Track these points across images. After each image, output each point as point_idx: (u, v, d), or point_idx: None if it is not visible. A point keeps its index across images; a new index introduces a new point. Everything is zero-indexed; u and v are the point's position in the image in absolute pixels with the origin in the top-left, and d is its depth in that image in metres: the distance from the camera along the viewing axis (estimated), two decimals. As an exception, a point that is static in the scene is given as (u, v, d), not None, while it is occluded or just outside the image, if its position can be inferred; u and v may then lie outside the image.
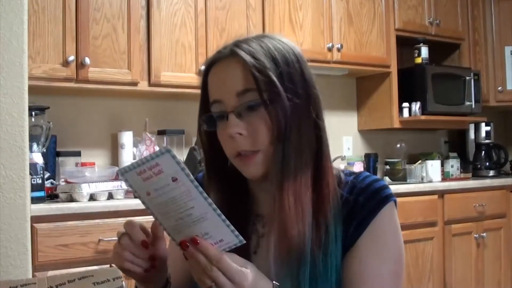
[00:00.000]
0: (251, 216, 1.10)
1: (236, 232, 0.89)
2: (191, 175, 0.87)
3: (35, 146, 2.48)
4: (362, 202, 1.04)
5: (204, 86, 1.07)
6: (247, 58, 1.01)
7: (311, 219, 1.01)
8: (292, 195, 0.99)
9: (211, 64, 1.06)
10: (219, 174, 1.09)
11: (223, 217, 0.88)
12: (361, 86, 4.00)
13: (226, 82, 1.03)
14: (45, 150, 2.60)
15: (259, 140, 1.01)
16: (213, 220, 0.88)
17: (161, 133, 3.12)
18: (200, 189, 0.87)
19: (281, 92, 1.00)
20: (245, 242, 0.90)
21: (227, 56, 1.04)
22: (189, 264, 0.90)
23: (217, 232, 0.89)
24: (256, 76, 1.00)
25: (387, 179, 3.74)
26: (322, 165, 1.04)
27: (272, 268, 1.03)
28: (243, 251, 1.02)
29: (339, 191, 1.05)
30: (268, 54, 1.03)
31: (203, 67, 1.10)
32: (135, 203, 2.48)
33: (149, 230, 0.99)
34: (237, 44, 1.05)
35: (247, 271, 0.91)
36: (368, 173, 1.10)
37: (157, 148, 3.01)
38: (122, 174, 0.89)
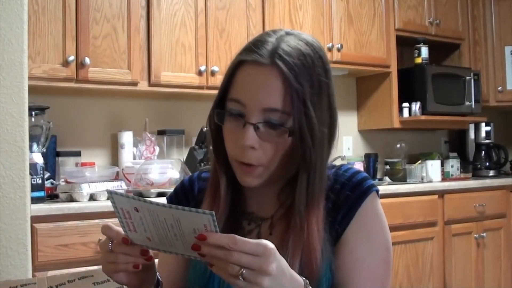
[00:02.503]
0: (237, 212, 1.10)
1: (201, 210, 0.83)
2: (139, 198, 0.89)
3: (35, 146, 2.48)
4: (346, 195, 1.05)
5: (230, 77, 1.03)
6: (289, 76, 0.97)
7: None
8: (316, 222, 1.00)
9: (244, 61, 1.02)
10: (225, 163, 1.08)
11: (184, 207, 0.83)
12: (361, 86, 4.00)
13: (258, 90, 0.99)
14: (45, 150, 2.60)
15: (267, 158, 1.00)
16: (184, 216, 0.84)
17: (161, 133, 3.12)
18: (150, 200, 0.87)
19: (314, 122, 0.98)
20: (213, 212, 0.84)
21: (266, 62, 0.99)
22: (215, 268, 0.84)
23: (196, 222, 0.84)
24: (294, 101, 0.97)
25: (387, 179, 3.74)
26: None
27: None
28: None
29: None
30: (308, 75, 1.00)
31: (237, 57, 1.04)
32: (135, 203, 2.47)
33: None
34: (279, 52, 0.99)
35: (266, 241, 0.84)
36: (348, 166, 1.11)
37: (157, 148, 3.01)
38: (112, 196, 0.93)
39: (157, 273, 1.04)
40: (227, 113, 1.02)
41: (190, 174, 2.82)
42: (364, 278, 1.02)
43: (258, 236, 1.06)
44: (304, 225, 0.99)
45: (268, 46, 1.01)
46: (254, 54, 1.00)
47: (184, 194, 1.19)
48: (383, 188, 3.14)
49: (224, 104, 1.04)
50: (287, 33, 1.05)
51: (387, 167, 3.88)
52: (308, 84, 0.99)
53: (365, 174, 1.09)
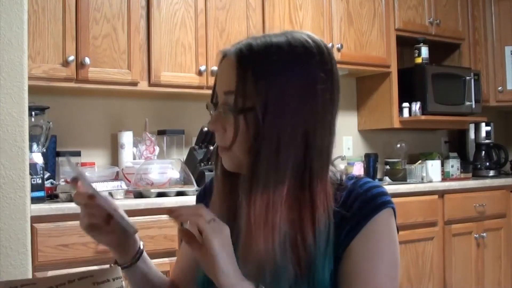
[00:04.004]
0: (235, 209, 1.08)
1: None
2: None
3: (35, 146, 2.48)
4: (357, 206, 1.01)
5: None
6: (241, 57, 0.99)
7: (287, 235, 0.97)
8: (260, 207, 0.96)
9: (223, 55, 1.05)
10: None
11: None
12: (361, 86, 4.00)
13: (220, 76, 1.04)
14: (45, 150, 2.60)
15: (229, 140, 1.01)
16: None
17: (161, 133, 3.12)
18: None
19: (257, 106, 0.96)
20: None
21: (231, 51, 1.02)
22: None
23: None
24: (244, 81, 0.98)
25: (387, 179, 3.73)
26: (309, 185, 0.99)
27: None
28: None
29: (339, 194, 1.02)
30: (266, 58, 0.99)
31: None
32: (135, 203, 2.48)
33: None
34: (245, 41, 1.03)
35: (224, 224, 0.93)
36: (369, 179, 1.08)
37: (157, 148, 3.01)
38: None
39: (140, 242, 1.15)
40: (211, 104, 1.07)
41: (191, 174, 2.81)
42: None
43: (236, 237, 1.05)
44: (245, 208, 0.98)
45: (243, 40, 1.04)
46: (227, 47, 1.05)
47: (204, 195, 1.21)
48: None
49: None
50: (284, 32, 1.05)
51: (387, 167, 3.88)
52: (263, 60, 0.98)
53: (383, 189, 1.05)
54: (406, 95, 3.80)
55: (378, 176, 3.89)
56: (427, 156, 3.92)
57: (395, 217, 1.06)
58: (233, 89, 0.99)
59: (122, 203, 2.46)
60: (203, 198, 1.20)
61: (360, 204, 1.02)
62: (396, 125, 3.78)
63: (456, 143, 4.44)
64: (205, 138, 2.98)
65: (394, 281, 1.02)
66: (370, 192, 1.03)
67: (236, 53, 1.00)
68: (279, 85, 0.97)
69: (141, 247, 1.16)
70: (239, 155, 1.01)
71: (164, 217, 1.21)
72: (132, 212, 2.35)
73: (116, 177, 2.79)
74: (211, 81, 2.98)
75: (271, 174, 0.96)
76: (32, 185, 2.27)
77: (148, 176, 2.68)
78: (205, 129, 2.94)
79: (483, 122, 4.28)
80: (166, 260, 2.52)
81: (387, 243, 1.03)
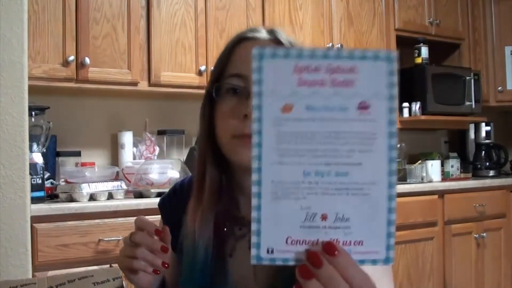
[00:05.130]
0: (228, 217, 1.05)
1: (393, 245, 0.60)
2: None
3: (35, 146, 2.48)
4: None
5: (228, 56, 1.03)
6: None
7: None
8: None
9: (243, 38, 1.03)
10: (212, 155, 1.03)
11: (392, 215, 0.59)
12: (361, 86, 3.99)
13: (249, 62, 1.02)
14: (45, 150, 2.60)
15: None
16: (376, 202, 0.58)
17: (161, 133, 3.12)
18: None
19: None
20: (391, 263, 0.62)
21: (266, 38, 1.02)
22: (306, 284, 0.60)
23: (366, 225, 0.59)
24: None
25: (387, 179, 3.73)
26: None
27: (252, 273, 0.99)
28: (218, 254, 1.01)
29: None
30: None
31: (234, 37, 1.07)
32: (135, 203, 2.48)
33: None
34: (277, 30, 1.04)
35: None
36: None
37: (157, 148, 3.00)
38: (261, 57, 0.58)
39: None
40: (229, 88, 1.00)
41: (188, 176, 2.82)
42: None
43: (250, 242, 1.03)
44: None
45: (264, 29, 1.05)
46: (252, 33, 1.04)
47: (176, 199, 1.14)
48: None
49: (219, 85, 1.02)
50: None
51: (387, 167, 3.88)
52: None
53: None
54: (406, 95, 3.81)
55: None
56: (427, 156, 3.92)
57: None
58: None
59: (122, 203, 2.46)
60: (168, 206, 1.14)
61: None
62: (396, 125, 3.78)
63: (456, 143, 4.44)
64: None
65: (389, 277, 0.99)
66: None
67: (285, 40, 1.02)
68: None
69: (164, 278, 1.06)
70: None
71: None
72: (133, 212, 2.35)
73: (116, 177, 2.79)
74: (211, 81, 2.99)
75: None
76: (32, 185, 2.27)
77: (148, 176, 2.68)
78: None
79: (483, 122, 4.28)
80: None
81: None
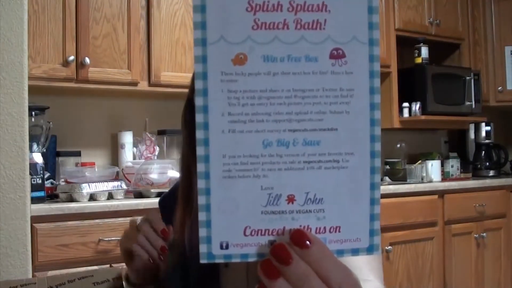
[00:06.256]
0: None
1: (378, 231, 0.47)
2: None
3: (35, 146, 2.48)
4: None
5: None
6: None
7: None
8: None
9: None
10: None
11: (376, 192, 0.47)
12: (361, 86, 3.99)
13: None
14: (45, 150, 2.60)
15: None
16: (356, 178, 0.46)
17: (161, 133, 3.11)
18: None
19: None
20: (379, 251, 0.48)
21: None
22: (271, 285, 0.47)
23: (345, 207, 0.46)
24: None
25: (387, 179, 3.73)
26: None
27: (248, 283, 0.98)
28: (211, 266, 0.98)
29: None
30: None
31: None
32: (135, 203, 2.48)
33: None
34: None
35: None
36: None
37: (157, 148, 3.00)
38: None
39: None
40: None
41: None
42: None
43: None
44: None
45: None
46: None
47: (175, 199, 1.10)
48: (383, 188, 3.14)
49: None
50: None
51: (387, 167, 3.88)
52: None
53: None
54: (406, 95, 3.80)
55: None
56: (427, 156, 3.92)
57: None
58: None
59: (122, 203, 2.46)
60: (168, 205, 1.10)
61: None
62: (396, 125, 3.78)
63: (456, 143, 4.44)
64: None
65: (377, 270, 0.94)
66: None
67: None
68: None
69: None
70: None
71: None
72: (133, 212, 2.35)
73: (116, 177, 2.79)
74: (211, 81, 2.99)
75: None
76: (32, 185, 2.27)
77: (148, 176, 2.68)
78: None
79: (483, 122, 4.28)
80: (166, 260, 2.52)
81: None
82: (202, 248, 0.46)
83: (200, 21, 0.44)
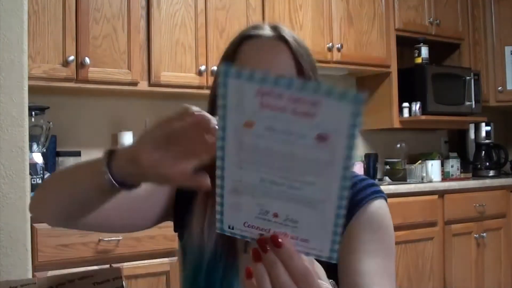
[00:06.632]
0: None
1: (336, 247, 0.63)
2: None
3: (35, 146, 2.48)
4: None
5: (232, 55, 1.05)
6: (296, 49, 1.03)
7: None
8: None
9: (247, 36, 1.05)
10: None
11: (340, 220, 0.61)
12: (361, 86, 4.00)
13: (267, 58, 1.02)
14: (45, 150, 2.60)
15: None
16: (324, 214, 0.60)
17: (161, 133, 3.11)
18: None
19: None
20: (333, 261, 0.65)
21: (272, 35, 1.04)
22: (254, 267, 0.64)
23: (313, 229, 0.62)
24: (304, 71, 1.02)
25: (387, 179, 3.73)
26: None
27: None
28: (231, 249, 1.01)
29: None
30: (307, 55, 1.05)
31: (237, 37, 1.08)
32: (135, 203, 2.47)
33: None
34: (281, 29, 1.05)
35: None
36: (360, 175, 1.09)
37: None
38: (226, 75, 0.57)
39: None
40: None
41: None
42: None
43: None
44: None
45: (268, 26, 1.06)
46: (255, 31, 1.05)
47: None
48: (383, 188, 3.13)
49: None
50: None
51: (387, 167, 3.88)
52: (308, 60, 1.05)
53: (373, 181, 1.07)
54: (406, 95, 3.81)
55: (378, 176, 3.89)
56: (427, 156, 3.92)
57: (387, 206, 1.07)
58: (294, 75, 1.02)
59: (122, 203, 2.45)
60: (186, 194, 1.10)
61: (351, 195, 1.02)
62: (396, 125, 3.78)
63: (456, 143, 4.44)
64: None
65: (391, 264, 1.01)
66: (360, 184, 1.05)
67: (291, 40, 1.03)
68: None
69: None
70: None
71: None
72: (132, 212, 2.35)
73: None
74: (211, 81, 2.99)
75: None
76: (32, 185, 2.27)
77: (148, 176, 2.67)
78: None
79: (483, 122, 4.28)
80: (166, 260, 2.52)
81: (386, 225, 1.03)
82: (218, 225, 0.66)
83: (222, 93, 0.58)
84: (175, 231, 1.16)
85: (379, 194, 1.06)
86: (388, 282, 0.98)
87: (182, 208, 1.10)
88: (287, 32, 1.05)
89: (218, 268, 1.02)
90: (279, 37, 1.03)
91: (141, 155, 0.73)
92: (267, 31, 1.05)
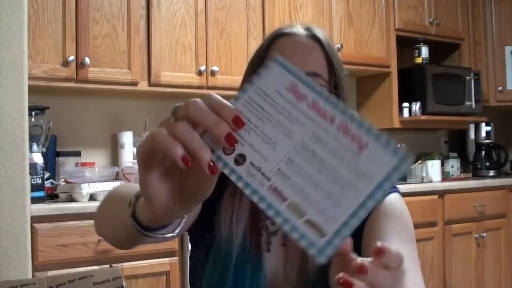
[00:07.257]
0: (260, 211, 1.06)
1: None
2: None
3: (35, 146, 2.48)
4: None
5: (265, 52, 1.08)
6: (329, 48, 1.07)
7: None
8: None
9: (281, 34, 1.08)
10: None
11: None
12: (361, 86, 4.00)
13: (301, 54, 1.05)
14: (45, 150, 2.60)
15: None
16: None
17: (161, 133, 3.11)
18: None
19: (345, 90, 1.08)
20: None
21: (305, 34, 1.08)
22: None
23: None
24: (335, 70, 1.06)
25: (387, 179, 3.73)
26: None
27: (285, 266, 1.04)
28: (255, 249, 1.03)
29: None
30: (338, 57, 1.10)
31: (272, 33, 1.11)
32: (135, 203, 2.47)
33: None
34: (314, 29, 1.09)
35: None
36: None
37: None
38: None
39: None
40: None
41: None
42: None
43: (284, 237, 1.06)
44: None
45: (300, 25, 1.10)
46: (290, 29, 1.08)
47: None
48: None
49: None
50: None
51: (387, 167, 3.88)
52: (338, 59, 1.09)
53: None
54: (406, 95, 3.81)
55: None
56: (427, 156, 3.92)
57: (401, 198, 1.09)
58: (321, 73, 1.05)
59: (122, 203, 2.45)
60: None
61: None
62: (396, 125, 3.78)
63: (456, 143, 4.44)
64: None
65: (416, 251, 1.01)
66: None
67: (323, 39, 1.08)
68: (345, 85, 1.11)
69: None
70: None
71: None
72: (132, 212, 2.35)
73: (116, 177, 2.79)
74: (211, 81, 2.99)
75: None
76: (32, 185, 2.27)
77: (148, 176, 2.67)
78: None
79: (483, 122, 4.28)
80: (166, 260, 2.52)
81: (406, 215, 1.04)
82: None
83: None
84: (192, 239, 1.15)
85: (392, 189, 1.07)
86: (417, 269, 0.99)
87: (206, 209, 1.08)
88: (319, 32, 1.09)
89: (247, 263, 1.03)
90: (312, 36, 1.07)
91: (150, 207, 0.61)
92: (300, 30, 1.09)
